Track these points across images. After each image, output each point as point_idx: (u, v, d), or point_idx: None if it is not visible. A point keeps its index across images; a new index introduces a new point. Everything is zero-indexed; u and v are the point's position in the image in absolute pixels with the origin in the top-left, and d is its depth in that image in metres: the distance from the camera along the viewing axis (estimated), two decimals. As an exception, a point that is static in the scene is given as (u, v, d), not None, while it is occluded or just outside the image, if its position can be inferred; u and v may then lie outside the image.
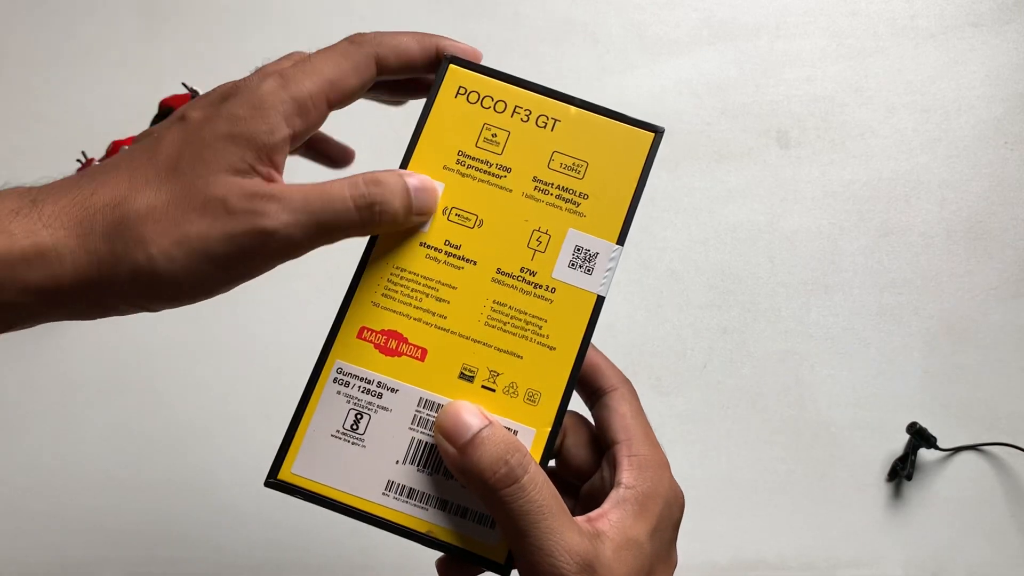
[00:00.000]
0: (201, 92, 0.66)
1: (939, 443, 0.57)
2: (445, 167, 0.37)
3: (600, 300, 0.36)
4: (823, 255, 0.64)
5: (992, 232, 0.64)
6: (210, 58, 0.72)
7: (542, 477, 0.32)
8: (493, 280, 0.36)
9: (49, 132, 0.70)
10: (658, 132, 0.38)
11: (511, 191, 0.37)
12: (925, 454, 0.58)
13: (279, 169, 0.33)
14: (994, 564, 0.56)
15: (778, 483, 0.58)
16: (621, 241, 0.37)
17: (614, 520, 0.33)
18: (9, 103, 0.71)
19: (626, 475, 0.34)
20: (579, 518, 0.32)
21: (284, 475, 0.34)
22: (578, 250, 0.36)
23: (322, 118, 0.36)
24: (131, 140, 0.63)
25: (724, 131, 0.68)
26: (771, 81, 0.70)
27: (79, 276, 0.30)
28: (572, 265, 0.36)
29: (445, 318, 0.35)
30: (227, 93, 0.35)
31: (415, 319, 0.35)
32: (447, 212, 0.36)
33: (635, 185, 0.38)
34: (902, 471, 0.57)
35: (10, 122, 0.70)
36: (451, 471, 0.33)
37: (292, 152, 0.39)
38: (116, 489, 0.59)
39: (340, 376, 0.35)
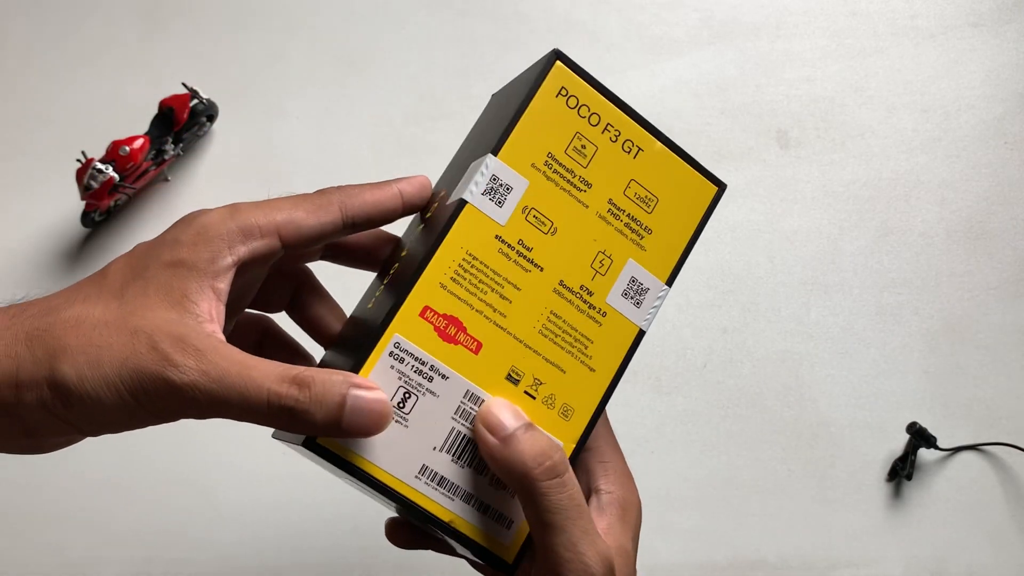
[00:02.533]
0: (201, 92, 0.67)
1: (939, 443, 0.57)
2: (533, 165, 0.36)
3: (641, 334, 0.37)
4: (823, 255, 0.64)
5: (992, 232, 0.64)
6: (210, 58, 0.72)
7: (578, 488, 0.32)
8: (555, 290, 0.36)
9: (49, 132, 0.70)
10: (721, 187, 0.39)
11: (588, 207, 0.37)
12: (925, 454, 0.58)
13: (221, 299, 0.31)
14: (994, 564, 0.56)
15: (778, 483, 0.58)
16: (670, 282, 0.38)
17: (604, 527, 0.34)
18: (9, 103, 0.71)
19: (603, 482, 0.35)
20: None
21: (323, 438, 0.32)
22: (633, 281, 0.37)
23: (272, 252, 0.33)
24: (131, 140, 0.63)
25: (724, 131, 0.68)
26: (771, 81, 0.70)
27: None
28: (625, 294, 0.37)
29: (505, 316, 0.35)
30: (181, 219, 0.34)
31: (477, 310, 0.35)
32: (526, 211, 0.36)
33: (693, 231, 0.39)
34: (902, 471, 0.57)
35: (10, 122, 0.70)
36: (489, 462, 0.33)
37: (312, 258, 0.40)
38: (116, 489, 0.59)
39: (396, 351, 0.34)
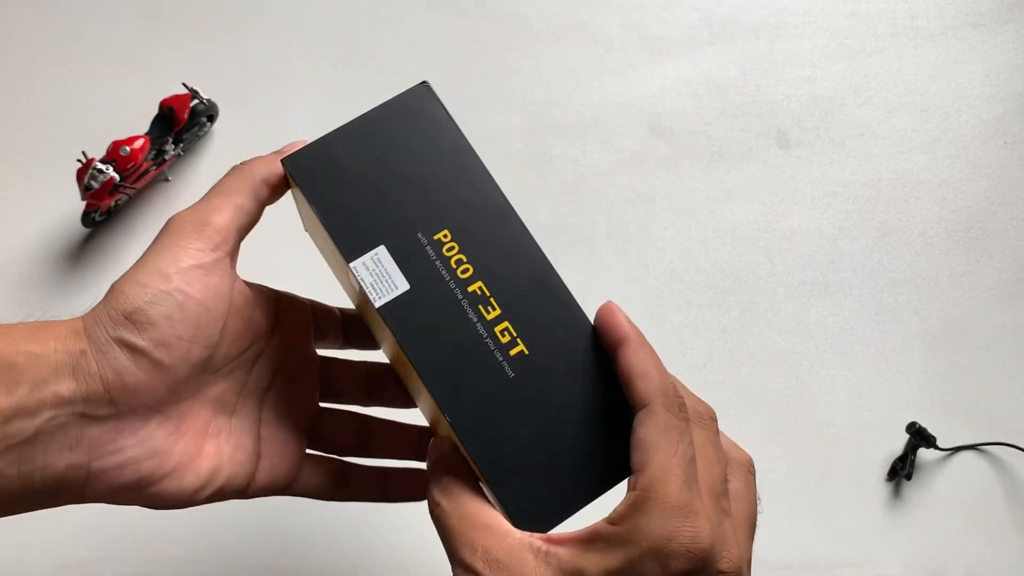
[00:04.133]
0: (201, 92, 0.67)
1: (938, 443, 0.57)
2: None
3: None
4: (823, 255, 0.64)
5: (992, 232, 0.64)
6: (210, 58, 0.72)
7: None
8: None
9: (50, 132, 0.70)
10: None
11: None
12: (924, 454, 0.58)
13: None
14: (993, 564, 0.56)
15: (778, 483, 0.58)
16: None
17: (563, 553, 0.29)
18: (10, 103, 0.71)
19: (618, 509, 0.29)
20: (538, 537, 0.30)
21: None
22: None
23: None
24: (131, 140, 0.63)
25: (724, 131, 0.68)
26: (771, 81, 0.70)
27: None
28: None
29: None
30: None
31: None
32: None
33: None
34: (901, 471, 0.57)
35: (11, 122, 0.70)
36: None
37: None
38: (116, 489, 0.59)
39: None
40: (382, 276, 0.34)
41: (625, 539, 0.28)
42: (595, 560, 0.28)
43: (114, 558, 0.57)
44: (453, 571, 0.31)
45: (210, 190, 0.38)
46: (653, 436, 0.30)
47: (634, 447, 0.30)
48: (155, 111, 0.66)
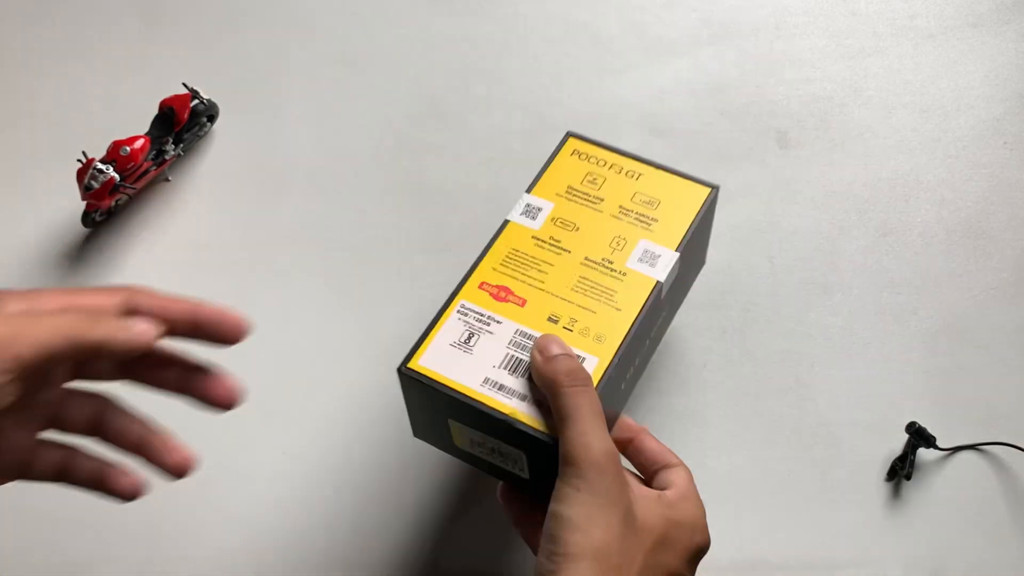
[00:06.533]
0: (201, 92, 0.67)
1: (938, 443, 0.57)
2: (557, 193, 0.53)
3: (659, 284, 0.49)
4: (822, 255, 0.64)
5: (991, 232, 0.64)
6: (210, 59, 0.72)
7: (596, 396, 0.41)
8: (582, 263, 0.50)
9: (50, 132, 0.70)
10: (715, 188, 0.53)
11: (602, 212, 0.52)
12: (924, 454, 0.58)
13: None
14: (993, 563, 0.56)
15: (777, 483, 0.58)
16: (679, 250, 0.50)
17: (646, 493, 0.43)
18: (10, 103, 0.71)
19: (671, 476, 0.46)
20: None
21: (413, 365, 0.47)
22: (646, 252, 0.50)
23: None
24: (131, 140, 0.63)
25: (724, 131, 0.68)
26: (771, 81, 0.70)
27: None
28: (641, 260, 0.50)
29: (543, 283, 0.49)
30: None
31: (520, 280, 0.49)
32: (555, 220, 0.52)
33: (695, 216, 0.52)
34: (901, 471, 0.57)
35: (12, 121, 0.70)
36: (534, 375, 0.44)
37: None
38: (116, 489, 0.59)
39: (462, 310, 0.48)
40: None
41: (675, 507, 0.43)
42: (643, 493, 0.42)
43: (114, 558, 0.57)
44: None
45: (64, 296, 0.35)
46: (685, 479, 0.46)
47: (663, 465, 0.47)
48: (155, 111, 0.66)
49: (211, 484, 0.59)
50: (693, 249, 0.53)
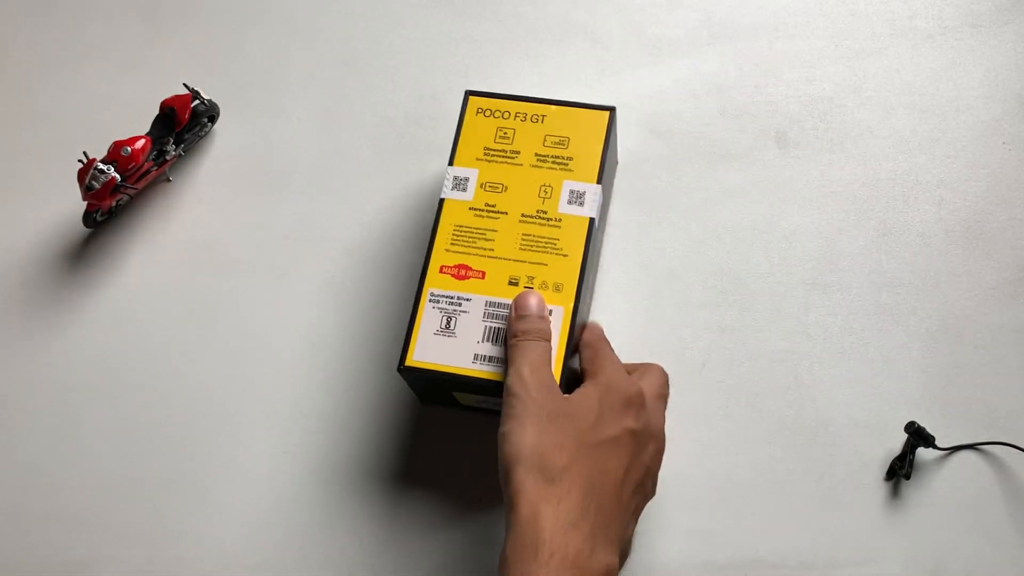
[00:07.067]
0: (202, 93, 0.67)
1: (937, 442, 0.57)
2: (476, 159, 0.57)
3: (592, 221, 0.55)
4: (821, 255, 0.64)
5: (990, 232, 0.64)
6: (211, 59, 0.72)
7: (538, 346, 0.49)
8: (520, 221, 0.55)
9: (51, 132, 0.70)
10: (611, 110, 0.58)
11: (522, 165, 0.57)
12: (923, 453, 0.58)
13: None
14: (992, 563, 0.56)
15: (776, 482, 0.58)
16: (599, 181, 0.56)
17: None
18: (11, 103, 0.71)
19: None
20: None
21: (408, 362, 0.52)
22: (572, 192, 0.56)
23: None
24: (132, 140, 0.63)
25: (723, 131, 0.68)
26: (770, 82, 0.70)
27: None
28: (570, 202, 0.55)
29: (492, 251, 0.54)
30: None
31: (473, 254, 0.54)
32: (483, 185, 0.56)
33: (602, 144, 0.57)
34: (900, 470, 0.57)
35: (13, 121, 0.70)
36: (508, 331, 0.51)
37: None
38: (116, 489, 0.59)
39: (433, 297, 0.53)
40: None
41: (595, 379, 0.49)
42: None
43: (114, 557, 0.57)
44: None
45: None
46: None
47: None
48: (156, 111, 0.66)
49: (211, 484, 0.59)
50: (609, 168, 0.59)
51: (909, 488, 0.58)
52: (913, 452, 0.57)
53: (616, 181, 0.66)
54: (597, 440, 0.46)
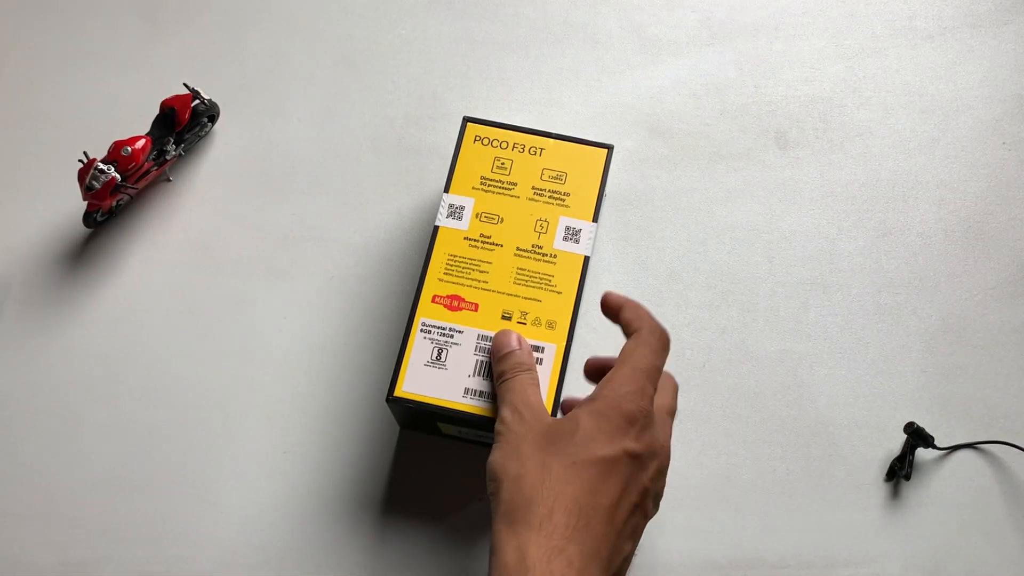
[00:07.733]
0: (202, 93, 0.67)
1: (937, 442, 0.57)
2: (473, 187, 0.57)
3: (587, 259, 0.55)
4: (821, 255, 0.64)
5: (990, 232, 0.65)
6: (211, 59, 0.72)
7: (526, 379, 0.49)
8: (515, 255, 0.55)
9: (52, 132, 0.70)
10: (610, 148, 0.58)
11: (519, 197, 0.56)
12: (923, 453, 0.58)
13: None
14: (992, 563, 0.56)
15: (776, 482, 0.58)
16: (595, 219, 0.56)
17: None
18: (11, 103, 0.71)
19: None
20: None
21: (397, 392, 0.51)
22: (568, 229, 0.55)
23: None
24: (133, 140, 0.63)
25: (723, 132, 0.68)
26: (770, 82, 0.70)
27: None
28: (565, 239, 0.55)
29: (487, 283, 0.54)
30: None
31: (467, 285, 0.54)
32: (479, 215, 0.56)
33: (599, 183, 0.57)
34: (900, 471, 0.57)
35: (13, 121, 0.70)
36: (494, 369, 0.51)
37: None
38: (116, 489, 0.59)
39: (424, 328, 0.53)
40: None
41: (595, 397, 0.46)
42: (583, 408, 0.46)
43: (114, 557, 0.57)
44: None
45: None
46: (630, 346, 0.47)
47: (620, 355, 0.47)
48: (156, 111, 0.66)
49: (211, 484, 0.59)
50: (602, 205, 0.58)
51: (909, 488, 0.58)
52: (912, 453, 0.57)
53: (616, 181, 0.66)
54: (586, 459, 0.43)
